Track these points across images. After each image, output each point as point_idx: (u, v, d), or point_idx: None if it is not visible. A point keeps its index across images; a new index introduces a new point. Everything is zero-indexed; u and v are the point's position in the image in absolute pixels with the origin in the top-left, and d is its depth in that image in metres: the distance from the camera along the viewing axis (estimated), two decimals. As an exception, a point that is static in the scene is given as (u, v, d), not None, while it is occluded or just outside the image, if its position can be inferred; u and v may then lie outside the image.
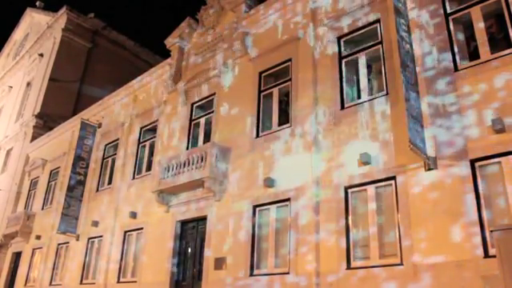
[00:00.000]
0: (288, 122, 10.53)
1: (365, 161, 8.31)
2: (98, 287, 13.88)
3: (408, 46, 8.00)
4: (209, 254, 10.71)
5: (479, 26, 7.89)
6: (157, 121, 14.71)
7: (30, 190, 21.04)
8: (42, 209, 19.01)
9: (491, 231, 5.49)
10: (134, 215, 13.54)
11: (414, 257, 7.21)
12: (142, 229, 13.22)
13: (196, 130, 13.18)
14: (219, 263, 10.35)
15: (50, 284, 16.37)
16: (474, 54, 8.01)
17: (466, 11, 8.17)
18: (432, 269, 6.97)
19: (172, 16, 63.38)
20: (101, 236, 14.81)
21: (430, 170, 7.46)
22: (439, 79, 7.95)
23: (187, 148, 12.86)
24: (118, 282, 13.27)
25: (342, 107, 9.35)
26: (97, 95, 20.85)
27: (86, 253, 15.21)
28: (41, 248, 17.86)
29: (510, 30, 7.49)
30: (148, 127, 15.18)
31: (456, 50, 8.00)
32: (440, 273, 6.87)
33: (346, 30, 9.93)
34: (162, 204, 12.35)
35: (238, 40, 12.45)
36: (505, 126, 6.83)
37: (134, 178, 14.62)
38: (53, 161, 19.74)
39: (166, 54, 15.60)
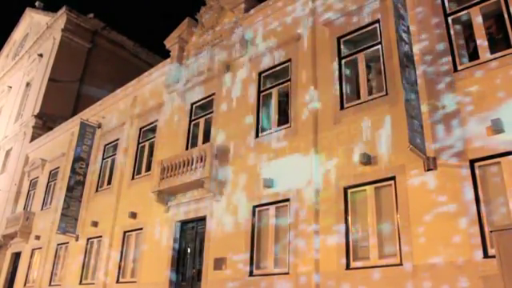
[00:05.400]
0: (287, 122, 10.53)
1: (364, 161, 8.31)
2: (97, 287, 13.87)
3: (407, 46, 8.00)
4: (208, 254, 10.71)
5: (479, 26, 7.90)
6: (156, 121, 14.71)
7: (29, 191, 21.02)
8: (42, 209, 19.00)
9: (491, 231, 5.50)
10: (133, 215, 13.52)
11: (414, 257, 7.21)
12: (141, 229, 13.21)
13: (195, 130, 13.17)
14: (219, 263, 10.34)
15: (50, 284, 16.36)
16: (473, 55, 8.02)
17: (465, 11, 8.18)
18: (431, 269, 6.97)
19: (172, 16, 63.42)
20: (100, 236, 14.80)
21: (429, 170, 7.46)
22: (439, 79, 7.95)
23: (187, 148, 12.85)
24: (118, 282, 13.26)
25: (342, 107, 9.35)
26: (96, 95, 20.87)
27: (86, 253, 15.19)
28: (40, 248, 17.84)
29: (509, 30, 7.49)
30: (147, 127, 15.18)
31: (455, 50, 8.00)
32: (439, 273, 6.87)
33: (345, 30, 9.94)
34: (162, 204, 12.35)
35: (237, 40, 12.44)
36: (504, 126, 6.83)
37: (133, 178, 14.61)
38: (52, 161, 19.73)
39: (165, 54, 15.61)
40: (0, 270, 20.09)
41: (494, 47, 7.68)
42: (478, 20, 7.94)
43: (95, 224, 15.13)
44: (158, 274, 11.75)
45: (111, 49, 27.25)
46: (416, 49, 8.36)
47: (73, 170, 16.60)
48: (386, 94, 8.70)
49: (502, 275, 5.06)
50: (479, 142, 7.10)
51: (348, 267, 8.04)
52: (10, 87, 29.18)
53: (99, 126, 17.60)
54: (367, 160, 8.30)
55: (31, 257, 18.37)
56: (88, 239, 15.35)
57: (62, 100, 23.88)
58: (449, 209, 7.08)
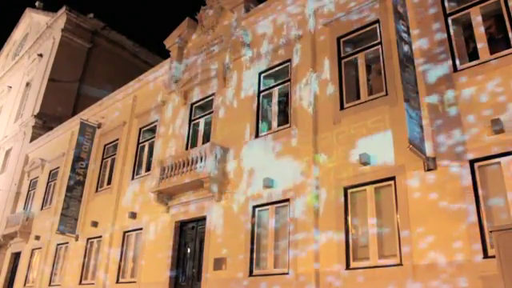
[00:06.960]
0: (287, 122, 10.53)
1: (364, 161, 8.31)
2: (97, 287, 13.87)
3: (407, 46, 8.00)
4: (208, 254, 10.71)
5: (478, 26, 7.90)
6: (156, 121, 14.71)
7: (29, 191, 21.02)
8: (42, 209, 19.00)
9: (490, 231, 5.49)
10: (133, 215, 13.52)
11: (414, 257, 7.21)
12: (141, 229, 13.21)
13: (195, 130, 13.18)
14: (218, 263, 10.34)
15: (50, 284, 16.35)
16: (473, 55, 8.02)
17: (465, 11, 8.18)
18: (431, 269, 6.97)
19: (172, 16, 63.42)
20: (100, 236, 14.80)
21: (429, 170, 7.47)
22: (438, 79, 7.95)
23: (187, 148, 12.86)
24: (118, 282, 13.26)
25: (342, 107, 9.35)
26: (96, 95, 20.87)
27: (86, 253, 15.19)
28: (40, 248, 17.84)
29: (509, 30, 7.49)
30: (147, 127, 15.18)
31: (455, 50, 8.00)
32: (439, 273, 6.87)
33: (345, 30, 9.93)
34: (162, 204, 12.33)
35: (237, 40, 12.44)
36: (504, 126, 6.83)
37: (133, 178, 14.61)
38: (52, 161, 19.73)
39: (165, 54, 15.62)
40: (0, 270, 20.08)
41: (493, 47, 7.68)
42: (477, 20, 7.94)
43: (95, 224, 15.12)
44: (158, 274, 11.74)
45: (111, 49, 27.24)
46: (416, 49, 8.36)
47: (73, 170, 16.59)
48: (386, 94, 8.70)
49: (501, 275, 5.06)
50: (479, 142, 7.10)
51: (348, 267, 8.04)
52: (10, 87, 29.17)
53: (99, 126, 17.59)
54: (367, 160, 8.30)
55: (31, 257, 18.36)
56: (88, 239, 15.35)
57: (61, 100, 23.87)
58: (449, 209, 7.08)
